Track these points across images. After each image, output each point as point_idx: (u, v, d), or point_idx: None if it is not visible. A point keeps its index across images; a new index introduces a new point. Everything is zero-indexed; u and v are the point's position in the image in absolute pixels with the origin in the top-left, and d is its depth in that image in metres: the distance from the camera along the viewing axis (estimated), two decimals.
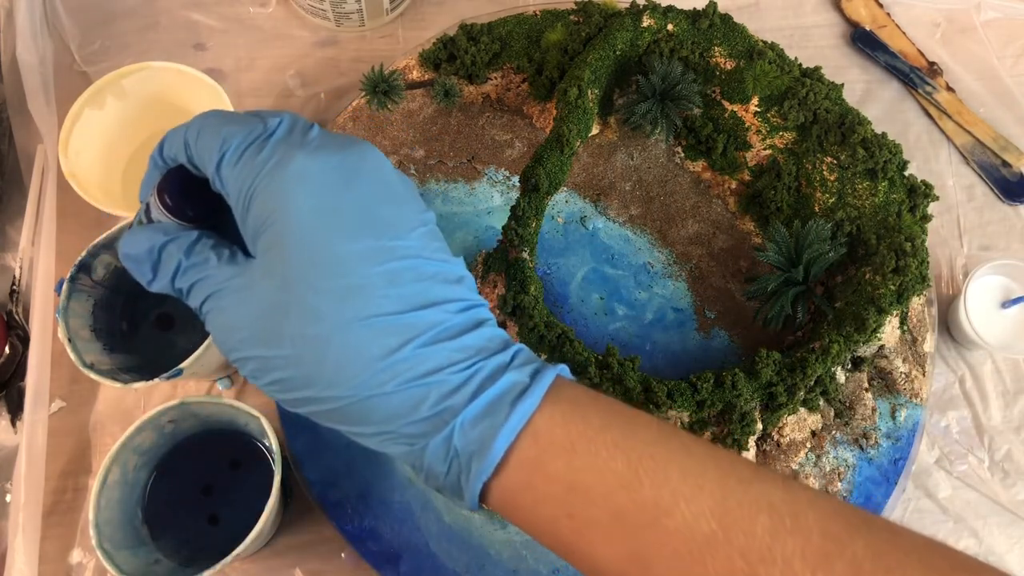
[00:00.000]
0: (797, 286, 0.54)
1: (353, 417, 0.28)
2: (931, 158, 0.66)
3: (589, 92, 0.56)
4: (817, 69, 0.58)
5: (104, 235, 0.47)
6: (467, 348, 0.28)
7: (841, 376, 0.54)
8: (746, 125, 0.59)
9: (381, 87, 0.55)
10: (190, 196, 0.31)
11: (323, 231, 0.27)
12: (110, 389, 0.54)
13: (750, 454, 0.50)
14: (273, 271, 0.27)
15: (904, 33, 0.70)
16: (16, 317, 0.56)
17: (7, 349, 0.54)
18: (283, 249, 0.27)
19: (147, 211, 0.31)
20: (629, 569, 0.26)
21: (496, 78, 0.61)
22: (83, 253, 0.47)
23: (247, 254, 0.29)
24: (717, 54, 0.58)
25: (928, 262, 0.52)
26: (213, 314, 0.29)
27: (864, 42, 0.69)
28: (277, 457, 0.45)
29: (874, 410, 0.54)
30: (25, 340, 0.54)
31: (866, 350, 0.54)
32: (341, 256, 0.27)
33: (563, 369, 0.30)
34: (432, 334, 0.27)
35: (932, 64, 0.69)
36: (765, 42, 0.58)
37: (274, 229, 0.27)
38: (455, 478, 0.28)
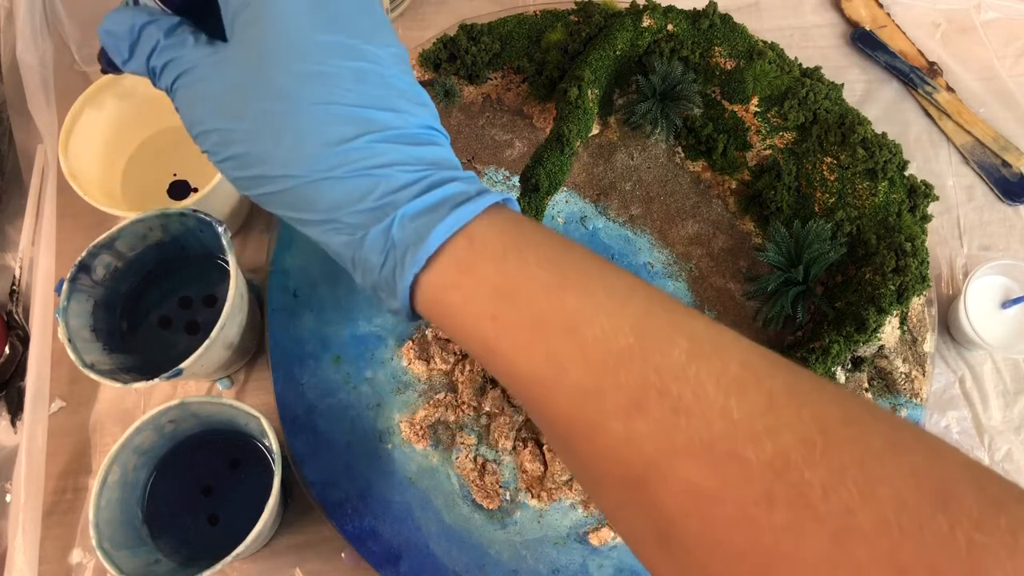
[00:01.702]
0: (797, 286, 0.54)
1: (301, 201, 0.29)
2: (931, 158, 0.66)
3: (589, 92, 0.56)
4: (817, 69, 0.58)
5: (104, 235, 0.47)
6: (420, 157, 0.29)
7: (841, 376, 0.54)
8: (746, 125, 0.59)
9: None
10: None
11: (301, 18, 0.28)
12: (110, 389, 0.54)
13: None
14: (247, 49, 0.28)
15: (904, 33, 0.70)
16: (16, 317, 0.56)
17: (7, 349, 0.54)
18: (260, 28, 0.28)
19: None
20: (545, 373, 0.26)
21: (496, 78, 0.61)
22: (83, 253, 0.47)
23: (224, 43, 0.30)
24: (717, 54, 0.58)
25: (928, 262, 0.52)
26: (183, 90, 0.30)
27: (864, 42, 0.69)
28: (277, 457, 0.45)
29: None
30: (25, 340, 0.54)
31: (866, 350, 0.54)
32: (315, 43, 0.28)
33: (511, 200, 0.31)
34: (388, 134, 0.29)
35: (932, 64, 0.69)
36: (765, 42, 0.58)
37: (254, 9, 0.28)
38: (389, 272, 0.29)
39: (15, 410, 0.54)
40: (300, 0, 0.28)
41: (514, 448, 0.53)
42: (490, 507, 0.51)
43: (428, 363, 0.54)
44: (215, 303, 0.53)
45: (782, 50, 0.58)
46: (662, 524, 0.24)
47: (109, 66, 0.33)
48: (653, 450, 0.24)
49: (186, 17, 0.31)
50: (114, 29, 0.31)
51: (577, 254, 0.29)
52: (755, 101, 0.58)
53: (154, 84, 0.31)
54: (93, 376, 0.44)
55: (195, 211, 0.48)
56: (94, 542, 0.41)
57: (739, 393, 0.24)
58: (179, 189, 0.58)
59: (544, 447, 0.53)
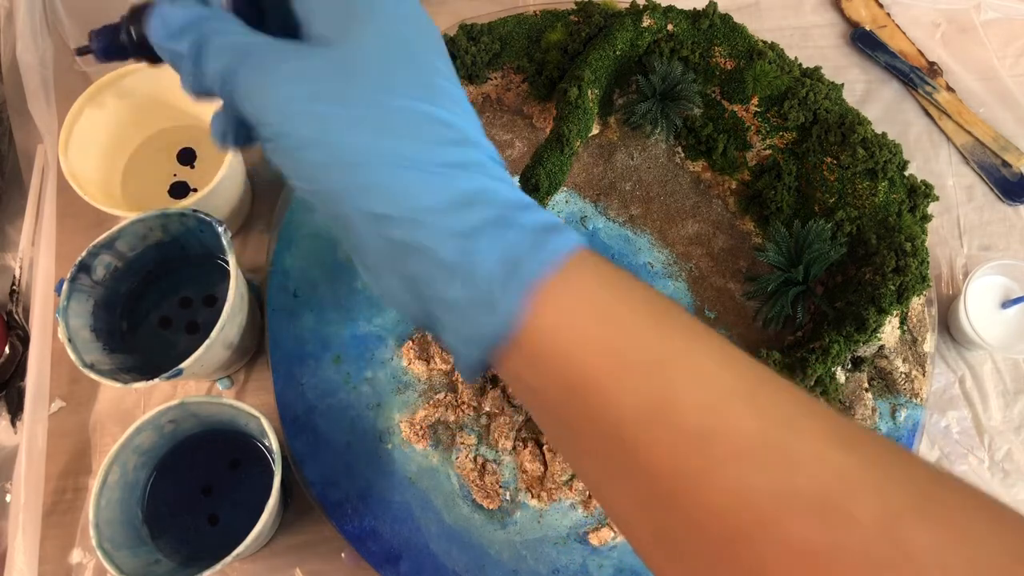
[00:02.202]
0: (797, 286, 0.54)
1: (392, 194, 0.26)
2: (931, 158, 0.66)
3: (589, 92, 0.56)
4: (817, 69, 0.58)
5: (104, 235, 0.47)
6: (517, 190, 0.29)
7: (841, 376, 0.54)
8: (746, 125, 0.59)
9: None
10: None
11: (425, 47, 0.28)
12: (110, 389, 0.54)
13: None
14: (354, 47, 0.27)
15: (904, 33, 0.70)
16: (16, 317, 0.56)
17: (7, 349, 0.54)
18: (365, 34, 0.27)
19: None
20: (651, 414, 0.25)
21: (496, 78, 0.61)
22: (83, 253, 0.47)
23: None
24: (717, 54, 0.58)
25: (928, 262, 0.52)
26: (259, 71, 0.27)
27: (864, 42, 0.69)
28: (277, 457, 0.45)
29: (874, 410, 0.54)
30: (25, 340, 0.54)
31: (866, 350, 0.54)
32: (432, 64, 0.28)
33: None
34: (496, 168, 0.28)
35: (932, 64, 0.69)
36: (765, 42, 0.58)
37: (372, 24, 0.28)
38: (498, 280, 0.25)
39: (15, 410, 0.54)
40: (416, 20, 0.29)
41: (514, 448, 0.53)
42: (490, 507, 0.51)
43: (428, 363, 0.54)
44: (215, 303, 0.53)
45: (782, 50, 0.58)
46: None
47: (105, 53, 0.30)
48: (763, 502, 0.23)
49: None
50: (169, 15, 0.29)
51: (676, 310, 0.28)
52: (755, 101, 0.58)
53: (182, 65, 0.29)
54: (93, 376, 0.44)
55: (195, 211, 0.48)
56: (94, 542, 0.41)
57: (849, 449, 0.23)
58: (179, 190, 0.58)
59: (544, 447, 0.53)
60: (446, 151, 0.27)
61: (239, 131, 0.29)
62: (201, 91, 0.29)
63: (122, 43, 0.30)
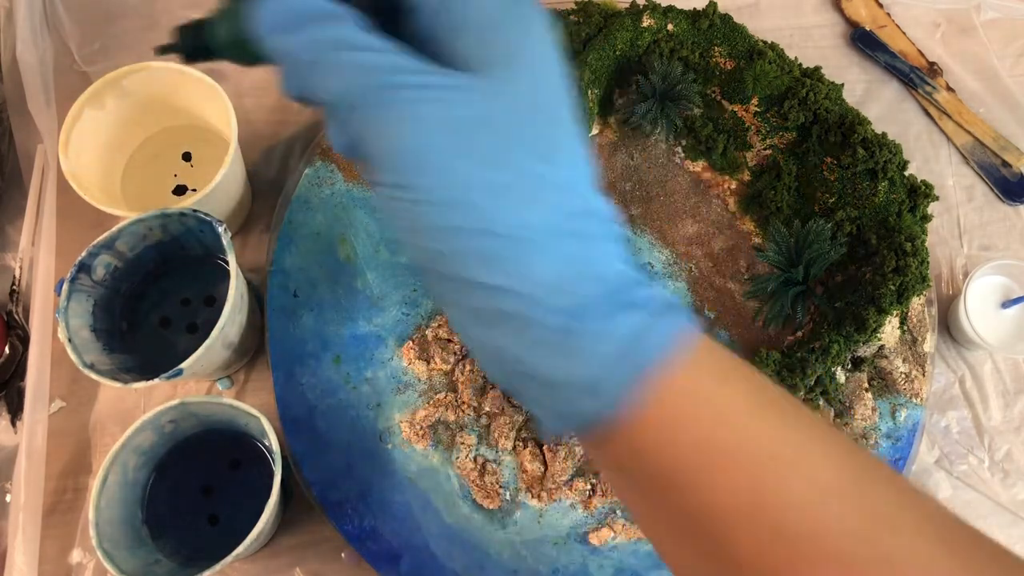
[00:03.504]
0: (797, 286, 0.54)
1: (513, 265, 0.24)
2: (931, 158, 0.66)
3: (589, 92, 0.56)
4: (817, 69, 0.58)
5: (104, 235, 0.47)
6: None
7: (841, 376, 0.54)
8: (746, 125, 0.59)
9: None
10: None
11: (563, 100, 0.26)
12: (110, 389, 0.54)
13: None
14: (497, 89, 0.24)
15: (904, 33, 0.70)
16: (16, 317, 0.56)
17: (7, 349, 0.54)
18: (531, 80, 0.25)
19: None
20: (745, 508, 0.24)
21: None
22: (83, 253, 0.47)
23: None
24: (717, 54, 0.58)
25: (928, 262, 0.52)
26: (396, 107, 0.23)
27: (864, 42, 0.69)
28: (277, 457, 0.45)
29: (874, 410, 0.54)
30: (25, 340, 0.54)
31: (866, 350, 0.54)
32: (569, 120, 0.26)
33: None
34: (611, 239, 0.26)
35: (932, 64, 0.69)
36: (765, 42, 0.58)
37: (529, 62, 0.25)
38: (610, 360, 0.24)
39: (15, 410, 0.54)
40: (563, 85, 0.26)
41: (514, 448, 0.53)
42: (490, 507, 0.51)
43: (428, 363, 0.54)
44: (215, 303, 0.53)
45: (782, 50, 0.58)
46: None
47: (192, 53, 0.27)
48: None
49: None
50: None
51: (781, 399, 0.27)
52: (755, 101, 0.58)
53: (289, 67, 0.24)
54: (93, 376, 0.44)
55: (195, 211, 0.48)
56: (94, 542, 0.41)
57: (952, 551, 0.23)
58: (179, 190, 0.58)
59: (544, 447, 0.53)
60: (570, 222, 0.25)
61: (357, 154, 0.26)
62: (304, 96, 0.25)
63: (210, 43, 0.27)
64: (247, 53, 0.26)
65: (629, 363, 0.24)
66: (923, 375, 0.55)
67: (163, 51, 0.28)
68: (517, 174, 0.24)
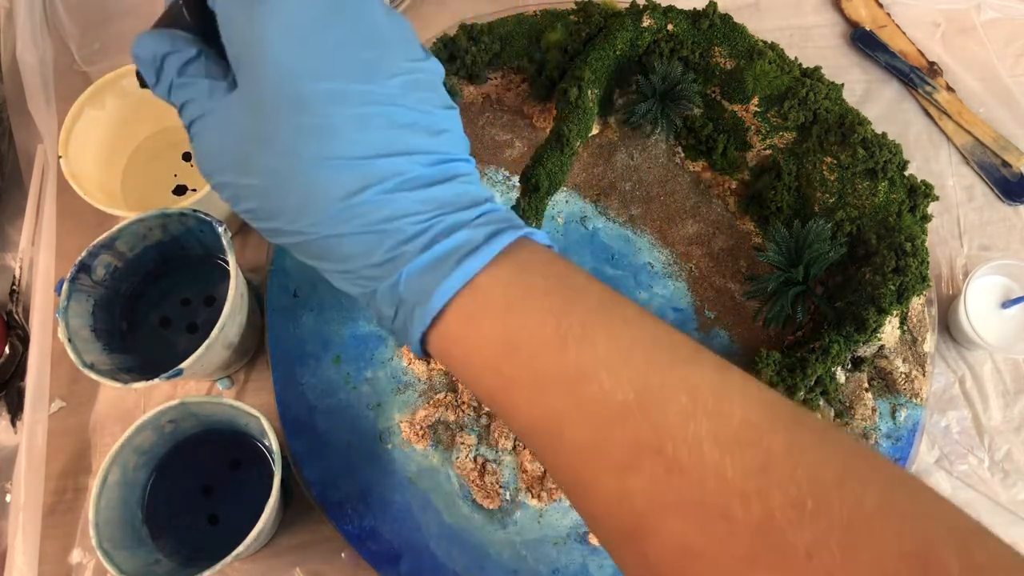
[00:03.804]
0: (797, 286, 0.54)
1: (316, 253, 0.29)
2: (931, 158, 0.66)
3: (589, 92, 0.56)
4: (817, 69, 0.58)
5: (104, 235, 0.47)
6: (430, 200, 0.29)
7: (841, 376, 0.54)
8: (746, 125, 0.59)
9: None
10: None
11: (297, 68, 0.27)
12: (110, 389, 0.54)
13: None
14: (249, 100, 0.28)
15: (904, 33, 0.70)
16: (16, 317, 0.56)
17: (7, 349, 0.54)
18: (257, 82, 0.27)
19: (181, 2, 0.31)
20: (545, 429, 0.27)
21: (496, 78, 0.61)
22: (83, 253, 0.47)
23: None
24: (717, 54, 0.58)
25: (928, 262, 0.52)
26: (197, 138, 0.29)
27: (864, 42, 0.69)
28: (277, 457, 0.45)
29: (874, 410, 0.54)
30: (25, 340, 0.54)
31: (866, 350, 0.54)
32: (312, 94, 0.27)
33: (532, 232, 0.30)
34: (395, 182, 0.28)
35: (932, 64, 0.69)
36: (765, 42, 0.58)
37: (251, 61, 0.28)
38: (401, 323, 0.29)
39: (15, 410, 0.54)
40: (294, 47, 0.27)
41: (514, 448, 0.53)
42: (490, 507, 0.51)
43: (428, 363, 0.54)
44: (215, 303, 0.53)
45: (782, 50, 0.58)
46: None
47: (145, 84, 0.32)
48: (645, 507, 0.24)
49: (210, 41, 0.30)
50: (141, 54, 0.30)
51: (585, 299, 0.28)
52: (755, 101, 0.58)
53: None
54: (93, 376, 0.44)
55: (195, 211, 0.48)
56: (94, 542, 0.41)
57: (735, 452, 0.24)
58: (179, 190, 0.58)
59: None
60: (350, 203, 0.28)
61: None
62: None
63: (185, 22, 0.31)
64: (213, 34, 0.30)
65: (420, 314, 0.28)
66: (923, 375, 0.55)
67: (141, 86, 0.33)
68: (264, 173, 0.28)
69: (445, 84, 0.59)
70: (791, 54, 0.59)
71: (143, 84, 0.32)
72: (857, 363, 0.55)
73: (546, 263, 0.29)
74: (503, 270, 0.28)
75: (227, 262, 0.47)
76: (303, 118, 0.27)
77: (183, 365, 0.44)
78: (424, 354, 0.30)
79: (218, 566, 0.42)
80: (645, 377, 0.26)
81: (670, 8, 0.59)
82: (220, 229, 0.47)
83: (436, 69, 0.31)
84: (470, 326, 0.28)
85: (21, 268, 0.57)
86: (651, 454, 0.24)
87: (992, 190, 0.65)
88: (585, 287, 0.29)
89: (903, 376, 0.55)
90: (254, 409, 0.45)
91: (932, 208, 0.56)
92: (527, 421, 0.27)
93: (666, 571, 0.24)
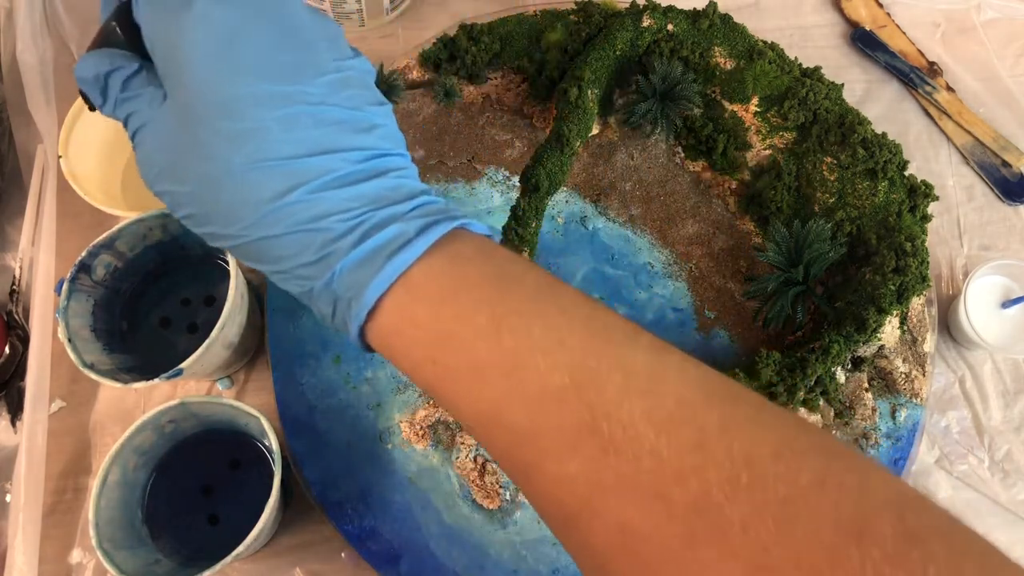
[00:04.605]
0: (797, 286, 0.54)
1: (252, 255, 0.30)
2: (931, 158, 0.66)
3: (589, 92, 0.56)
4: (817, 69, 0.58)
5: (104, 235, 0.47)
6: (361, 197, 0.29)
7: (841, 376, 0.54)
8: (746, 125, 0.59)
9: (381, 87, 0.55)
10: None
11: (220, 74, 0.27)
12: (110, 389, 0.54)
13: None
14: (177, 109, 0.28)
15: (904, 33, 0.70)
16: (16, 317, 0.56)
17: (7, 349, 0.54)
18: (183, 90, 0.28)
19: (114, 22, 0.31)
20: (485, 417, 0.27)
21: (496, 78, 0.61)
22: (83, 253, 0.47)
23: None
24: (717, 54, 0.58)
25: (928, 262, 0.52)
26: (138, 148, 0.30)
27: (864, 42, 0.69)
28: (277, 457, 0.45)
29: (874, 410, 0.54)
30: (25, 340, 0.54)
31: (866, 350, 0.54)
32: (236, 99, 0.27)
33: (468, 222, 0.30)
34: (323, 180, 0.28)
35: (932, 64, 0.69)
36: (765, 42, 0.58)
37: (175, 70, 0.28)
38: (340, 319, 0.29)
39: (15, 410, 0.54)
40: (215, 54, 0.27)
41: None
42: (490, 507, 0.51)
43: None
44: (215, 303, 0.53)
45: (782, 50, 0.58)
46: (596, 561, 0.25)
47: (93, 107, 0.32)
48: (584, 490, 0.24)
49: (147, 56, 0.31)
50: (84, 75, 0.31)
51: (519, 289, 0.28)
52: (755, 101, 0.58)
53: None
54: (93, 376, 0.44)
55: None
56: (94, 542, 0.41)
57: (670, 430, 0.24)
58: None
59: None
60: (279, 204, 0.28)
61: None
62: None
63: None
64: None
65: (354, 310, 0.28)
66: (923, 375, 0.55)
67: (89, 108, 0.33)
68: (196, 179, 0.28)
69: (444, 84, 0.59)
70: (791, 54, 0.59)
71: (91, 106, 0.32)
72: (857, 363, 0.55)
73: (481, 253, 0.30)
74: (437, 261, 0.28)
75: (227, 262, 0.47)
76: (228, 123, 0.27)
77: (183, 365, 0.44)
78: (366, 348, 0.30)
79: (218, 566, 0.42)
80: (580, 360, 0.26)
81: (670, 8, 0.59)
82: None
83: (365, 67, 0.31)
84: (405, 319, 0.28)
85: (21, 268, 0.57)
86: (588, 435, 0.24)
87: (992, 190, 0.65)
88: (520, 276, 0.29)
89: (903, 376, 0.55)
90: (254, 409, 0.45)
91: (932, 208, 0.56)
92: (468, 410, 0.28)
93: (609, 552, 0.24)
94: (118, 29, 0.31)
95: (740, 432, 0.24)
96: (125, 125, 0.31)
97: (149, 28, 0.29)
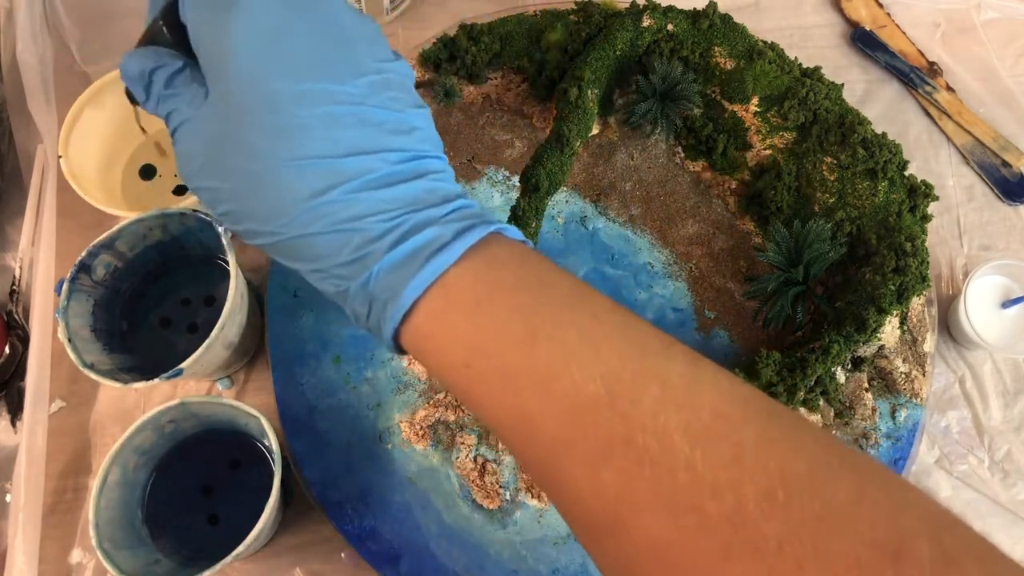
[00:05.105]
0: (797, 286, 0.54)
1: (289, 253, 0.30)
2: (931, 158, 0.66)
3: (589, 92, 0.56)
4: (817, 69, 0.58)
5: (104, 235, 0.47)
6: (398, 199, 0.29)
7: (841, 376, 0.54)
8: (746, 125, 0.59)
9: None
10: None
11: (263, 70, 0.28)
12: (110, 389, 0.54)
13: None
14: (221, 105, 0.28)
15: (904, 33, 0.70)
16: (16, 317, 0.56)
17: (7, 349, 0.54)
18: (226, 86, 0.28)
19: (161, 21, 0.31)
20: (517, 425, 0.27)
21: (496, 78, 0.61)
22: (83, 253, 0.47)
23: None
24: (717, 54, 0.58)
25: (928, 262, 0.52)
26: (178, 144, 0.30)
27: (864, 42, 0.69)
28: (277, 457, 0.45)
29: (874, 410, 0.54)
30: (25, 340, 0.54)
31: (866, 350, 0.54)
32: (278, 96, 0.28)
33: (505, 228, 0.30)
34: (362, 180, 0.28)
35: (932, 64, 0.69)
36: (765, 42, 0.58)
37: (220, 66, 0.28)
38: (375, 321, 0.29)
39: (15, 410, 0.54)
40: (259, 51, 0.28)
41: None
42: (490, 507, 0.51)
43: None
44: (215, 303, 0.53)
45: (782, 50, 0.58)
46: (626, 573, 0.25)
47: (135, 101, 0.33)
48: (617, 501, 0.24)
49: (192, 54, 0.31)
50: (129, 72, 0.31)
51: (555, 295, 0.28)
52: (755, 101, 0.58)
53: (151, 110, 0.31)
54: (93, 376, 0.44)
55: (195, 211, 0.48)
56: (94, 542, 0.41)
57: (706, 444, 0.24)
58: (179, 190, 0.58)
59: None
60: (318, 202, 0.29)
61: None
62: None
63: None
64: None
65: (391, 312, 0.28)
66: (923, 375, 0.55)
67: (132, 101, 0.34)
68: (236, 175, 0.29)
69: (444, 84, 0.59)
70: (791, 54, 0.59)
71: (133, 101, 0.33)
72: (857, 363, 0.55)
73: (517, 258, 0.30)
74: (472, 265, 0.28)
75: (227, 262, 0.47)
76: (271, 119, 0.28)
77: (183, 365, 0.44)
78: (398, 351, 0.30)
79: (218, 566, 0.42)
80: (616, 370, 0.26)
81: (670, 8, 0.59)
82: (220, 229, 0.47)
83: (406, 70, 0.31)
84: (440, 323, 0.28)
85: (21, 268, 0.57)
86: (623, 446, 0.24)
87: (992, 190, 0.65)
88: (555, 282, 0.29)
89: (903, 376, 0.55)
90: (254, 409, 0.45)
91: (932, 208, 0.56)
92: (499, 417, 0.27)
93: (641, 565, 0.24)
94: (164, 28, 0.31)
95: (776, 448, 0.24)
96: (167, 121, 0.31)
97: (195, 25, 0.29)
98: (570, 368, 0.26)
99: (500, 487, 0.52)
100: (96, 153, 0.55)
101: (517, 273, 0.29)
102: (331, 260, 0.29)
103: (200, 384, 0.55)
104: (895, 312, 0.53)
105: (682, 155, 0.62)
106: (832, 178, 0.56)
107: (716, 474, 0.23)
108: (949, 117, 0.67)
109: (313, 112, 0.28)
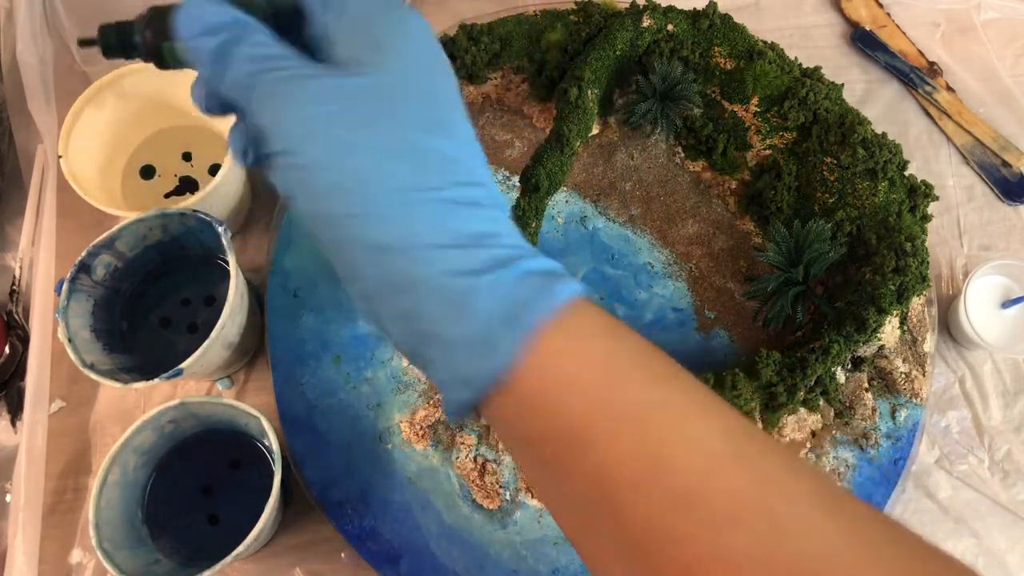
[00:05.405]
0: (797, 286, 0.54)
1: (394, 226, 0.26)
2: (931, 158, 0.66)
3: (589, 92, 0.56)
4: (817, 69, 0.58)
5: (104, 235, 0.47)
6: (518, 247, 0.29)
7: (841, 376, 0.54)
8: (746, 125, 0.59)
9: None
10: None
11: (428, 73, 0.28)
12: (110, 389, 0.54)
13: None
14: (372, 85, 0.27)
15: (904, 33, 0.70)
16: (16, 317, 0.56)
17: (7, 349, 0.54)
18: (381, 73, 0.27)
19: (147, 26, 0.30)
20: (639, 471, 0.24)
21: (496, 78, 0.61)
22: (83, 253, 0.47)
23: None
24: (717, 54, 0.58)
25: (928, 262, 0.52)
26: (284, 98, 0.27)
27: (864, 42, 0.69)
28: (277, 457, 0.45)
29: (874, 410, 0.54)
30: (25, 340, 0.54)
31: (866, 350, 0.54)
32: (441, 97, 0.28)
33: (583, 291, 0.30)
34: (501, 212, 0.28)
35: (932, 64, 0.69)
36: (765, 42, 0.58)
37: (386, 50, 0.28)
38: (499, 321, 0.26)
39: (15, 410, 0.54)
40: (424, 54, 0.28)
41: None
42: (490, 507, 0.51)
43: None
44: (215, 303, 0.53)
45: (782, 50, 0.58)
46: None
47: (112, 50, 0.30)
48: (746, 567, 0.23)
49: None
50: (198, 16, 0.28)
51: (661, 353, 0.27)
52: (755, 101, 0.58)
53: (202, 67, 0.28)
54: (93, 376, 0.44)
55: (195, 211, 0.48)
56: (94, 542, 0.41)
57: (835, 514, 0.23)
58: (178, 190, 0.58)
59: None
60: (456, 190, 0.27)
61: (259, 148, 0.29)
62: (213, 97, 0.29)
63: (133, 43, 0.30)
64: (162, 56, 0.30)
65: (517, 322, 0.25)
66: (923, 375, 0.55)
67: (83, 44, 0.31)
68: (394, 143, 0.27)
69: None
70: (791, 54, 0.59)
71: (115, 50, 0.30)
72: (857, 363, 0.55)
73: (604, 328, 0.28)
74: (592, 304, 0.28)
75: (227, 262, 0.47)
76: (431, 112, 0.28)
77: (183, 365, 0.44)
78: (483, 388, 0.26)
79: (218, 566, 0.42)
80: (744, 428, 0.25)
81: (670, 8, 0.59)
82: (220, 229, 0.47)
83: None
84: (577, 340, 0.26)
85: (21, 268, 0.57)
86: (752, 509, 0.23)
87: (992, 190, 0.65)
88: (646, 362, 0.28)
89: (903, 376, 0.55)
90: (254, 409, 0.45)
91: (932, 208, 0.56)
92: (618, 464, 0.25)
93: None
94: (146, 35, 0.30)
95: (894, 526, 0.24)
96: (237, 65, 0.27)
97: (351, 16, 0.29)
98: (696, 416, 0.25)
99: (500, 487, 0.52)
100: (96, 153, 0.55)
101: (619, 325, 0.28)
102: (464, 249, 0.27)
103: (200, 384, 0.55)
104: (895, 312, 0.53)
105: (682, 155, 0.62)
106: (832, 178, 0.56)
107: (849, 547, 0.23)
108: (949, 117, 0.67)
109: (472, 148, 0.29)
